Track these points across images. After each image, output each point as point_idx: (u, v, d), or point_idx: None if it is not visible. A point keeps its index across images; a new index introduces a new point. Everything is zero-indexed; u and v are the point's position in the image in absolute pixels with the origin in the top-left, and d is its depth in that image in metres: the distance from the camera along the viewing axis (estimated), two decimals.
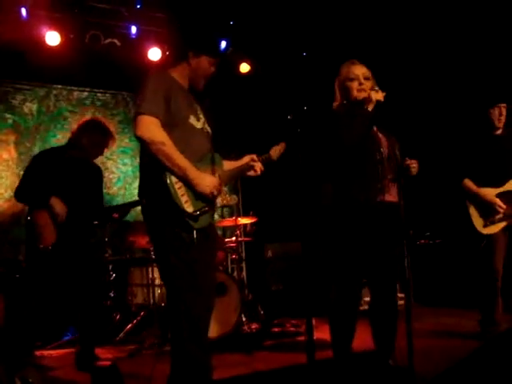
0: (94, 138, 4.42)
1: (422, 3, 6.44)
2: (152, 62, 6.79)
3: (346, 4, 6.60)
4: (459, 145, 4.75)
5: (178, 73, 3.04)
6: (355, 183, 3.27)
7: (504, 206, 4.42)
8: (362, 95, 3.32)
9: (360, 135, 3.20)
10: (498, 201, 4.43)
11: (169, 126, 2.84)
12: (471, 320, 4.88)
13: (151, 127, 2.78)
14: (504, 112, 4.55)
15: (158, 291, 5.39)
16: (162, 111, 2.83)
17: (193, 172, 2.83)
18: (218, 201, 3.03)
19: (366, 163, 3.26)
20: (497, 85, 5.36)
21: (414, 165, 3.29)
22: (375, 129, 3.39)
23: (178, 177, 2.80)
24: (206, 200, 2.87)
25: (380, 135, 3.39)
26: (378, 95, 3.21)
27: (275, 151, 3.31)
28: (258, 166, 3.23)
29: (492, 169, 4.52)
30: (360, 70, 3.38)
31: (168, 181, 2.76)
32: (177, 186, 2.79)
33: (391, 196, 3.28)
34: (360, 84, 3.34)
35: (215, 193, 2.91)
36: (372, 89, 3.26)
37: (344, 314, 3.34)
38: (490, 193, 4.48)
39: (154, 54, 6.80)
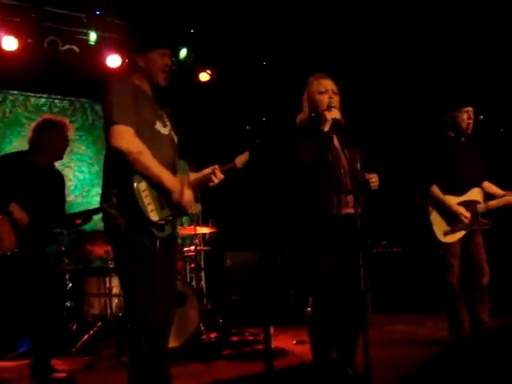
0: (51, 134, 4.36)
1: (378, 12, 6.56)
2: (111, 69, 6.73)
3: (307, 15, 6.68)
4: (425, 151, 4.69)
5: (138, 79, 3.02)
6: (313, 197, 3.31)
7: (468, 216, 4.43)
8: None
9: (317, 156, 3.26)
10: (462, 210, 4.44)
11: (137, 132, 2.82)
12: (428, 327, 4.97)
13: (126, 137, 2.76)
14: (472, 116, 4.50)
15: (115, 301, 5.32)
16: (134, 119, 2.82)
17: (170, 181, 2.84)
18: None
19: (325, 178, 3.31)
20: (463, 90, 5.40)
21: (373, 180, 3.31)
22: (337, 142, 3.46)
23: (155, 185, 2.80)
24: (172, 207, 2.87)
25: (342, 148, 3.45)
26: (333, 114, 3.27)
27: (240, 160, 3.32)
28: (217, 177, 3.22)
29: (456, 176, 4.51)
30: (329, 85, 3.44)
31: (135, 187, 2.74)
32: (144, 194, 2.77)
33: (349, 208, 3.32)
34: (330, 98, 3.39)
35: (189, 207, 2.92)
36: (327, 108, 3.32)
37: (323, 324, 3.32)
38: (453, 201, 4.48)
39: (113, 61, 6.74)
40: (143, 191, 2.77)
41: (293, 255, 3.56)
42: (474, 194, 4.52)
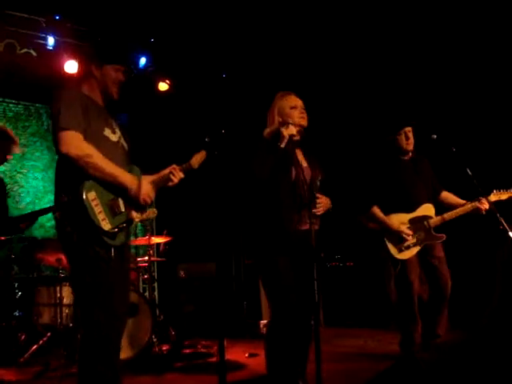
0: None
1: (330, 30, 6.69)
2: (68, 74, 6.64)
3: (267, 29, 6.75)
4: (368, 172, 4.79)
5: (89, 87, 3.02)
6: (273, 212, 3.37)
7: (410, 233, 4.50)
8: (303, 122, 3.53)
9: (269, 171, 3.34)
10: (403, 229, 4.50)
11: (85, 138, 2.80)
12: (379, 341, 5.03)
13: (75, 142, 2.75)
14: (410, 135, 4.61)
15: (65, 311, 5.22)
16: (82, 125, 2.80)
17: (125, 177, 2.85)
18: (137, 215, 2.99)
19: (287, 193, 3.37)
20: (399, 110, 5.53)
21: (320, 202, 3.36)
22: (301, 158, 3.53)
23: (106, 190, 2.78)
24: (131, 205, 2.86)
25: (304, 165, 3.52)
26: (289, 130, 3.38)
27: (196, 159, 3.32)
28: (177, 175, 3.21)
29: (403, 194, 4.58)
30: (299, 101, 3.59)
31: (84, 197, 2.71)
32: (94, 203, 2.74)
33: (307, 224, 3.35)
34: (301, 112, 3.54)
35: (148, 199, 2.91)
36: (283, 125, 3.43)
37: (281, 335, 3.32)
38: (399, 219, 4.54)
39: (71, 66, 6.64)
40: (93, 200, 2.74)
41: (253, 263, 3.55)
42: (424, 210, 4.60)
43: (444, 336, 4.51)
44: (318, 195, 3.35)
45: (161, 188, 3.16)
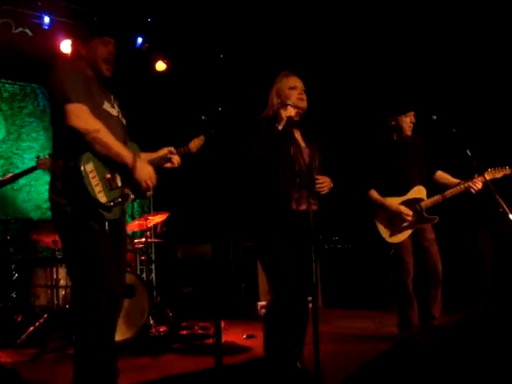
0: None
1: (328, 16, 6.61)
2: (64, 54, 6.55)
3: (265, 11, 6.67)
4: (365, 155, 4.81)
5: (84, 65, 2.96)
6: (272, 192, 3.35)
7: (410, 213, 4.51)
8: (302, 104, 3.47)
9: (267, 151, 3.30)
10: (403, 209, 4.52)
11: None
12: (378, 322, 5.03)
13: (83, 115, 2.70)
14: (413, 119, 4.64)
15: (62, 293, 5.20)
16: (88, 98, 2.76)
17: (131, 158, 2.80)
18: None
19: (286, 172, 3.35)
20: (408, 93, 5.50)
21: (321, 181, 3.31)
22: (300, 138, 3.49)
23: (104, 166, 2.74)
24: (132, 185, 2.85)
25: (303, 146, 3.48)
26: (288, 112, 3.32)
27: (194, 144, 3.30)
28: (176, 159, 3.21)
29: (395, 177, 4.60)
30: (300, 82, 3.54)
31: (82, 168, 2.68)
32: (91, 175, 2.71)
33: (307, 204, 3.32)
34: (300, 93, 3.48)
35: (150, 183, 2.88)
36: (281, 106, 3.38)
37: (280, 315, 3.30)
38: (394, 202, 4.57)
39: (67, 46, 6.56)
40: (90, 172, 2.71)
41: (251, 245, 3.53)
42: (416, 192, 4.61)
43: (439, 317, 4.53)
44: (317, 176, 3.31)
45: (158, 167, 3.14)
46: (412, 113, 4.65)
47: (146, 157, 3.14)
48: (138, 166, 2.84)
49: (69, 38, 6.54)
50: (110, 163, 2.79)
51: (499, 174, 4.55)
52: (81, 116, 2.70)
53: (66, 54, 6.49)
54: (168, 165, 3.23)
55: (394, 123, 4.69)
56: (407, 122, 4.65)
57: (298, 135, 3.52)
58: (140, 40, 7.13)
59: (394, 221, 4.56)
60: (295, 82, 3.53)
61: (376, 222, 4.62)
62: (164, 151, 3.20)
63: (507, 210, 4.15)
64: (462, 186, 4.52)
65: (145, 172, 2.87)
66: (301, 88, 3.52)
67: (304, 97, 3.50)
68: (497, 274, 5.13)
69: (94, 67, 2.95)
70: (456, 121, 4.51)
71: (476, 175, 4.47)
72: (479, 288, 5.18)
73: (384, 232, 4.59)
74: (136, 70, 7.08)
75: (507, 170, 4.57)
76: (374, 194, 4.61)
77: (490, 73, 6.31)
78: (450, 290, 4.65)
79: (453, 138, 4.36)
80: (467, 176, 4.54)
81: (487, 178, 4.42)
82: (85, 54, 2.94)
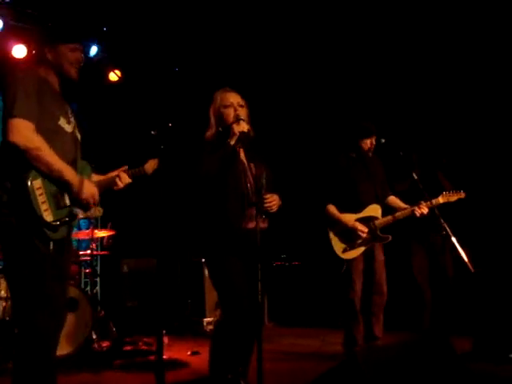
0: None
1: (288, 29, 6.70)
2: (16, 59, 6.40)
3: (222, 27, 6.71)
4: (324, 170, 4.87)
5: (45, 72, 2.90)
6: (221, 210, 3.33)
7: (366, 230, 4.57)
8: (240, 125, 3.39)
9: (221, 169, 3.29)
10: (359, 225, 4.57)
11: (38, 127, 2.69)
12: (325, 341, 5.06)
13: (25, 132, 2.64)
14: (374, 143, 4.74)
15: (2, 305, 5.03)
16: (36, 113, 2.70)
17: (72, 177, 2.75)
18: (81, 211, 2.90)
19: (233, 191, 3.33)
20: (369, 115, 5.60)
21: (269, 199, 3.30)
22: (243, 156, 3.48)
23: (52, 183, 2.67)
24: (74, 203, 2.78)
25: (249, 164, 3.47)
26: (241, 127, 3.31)
27: (150, 165, 3.25)
28: (123, 180, 3.14)
29: (351, 195, 4.67)
30: (235, 98, 3.46)
31: (29, 184, 2.61)
32: (38, 192, 2.64)
33: (254, 222, 3.32)
34: (235, 111, 3.41)
35: (92, 201, 2.82)
36: (235, 121, 3.35)
37: (229, 334, 3.27)
38: (351, 218, 4.62)
39: (19, 51, 6.41)
40: (38, 188, 2.65)
41: (200, 262, 3.51)
42: (372, 210, 4.69)
43: (382, 337, 4.60)
44: (266, 194, 3.31)
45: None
46: (374, 136, 4.75)
47: (95, 178, 3.10)
48: (81, 185, 2.78)
49: (22, 42, 6.40)
50: (55, 181, 2.73)
51: (453, 198, 4.70)
52: (22, 132, 2.63)
53: (18, 59, 6.35)
54: (114, 187, 3.16)
55: (355, 143, 4.78)
56: (367, 144, 4.74)
57: (242, 153, 3.49)
58: (95, 49, 7.04)
59: (349, 237, 4.61)
60: (229, 98, 3.46)
61: (330, 236, 4.64)
62: (115, 172, 3.14)
63: (450, 233, 4.27)
64: (409, 210, 4.63)
65: (87, 191, 2.81)
66: (236, 103, 3.44)
67: (242, 111, 3.42)
68: (435, 296, 5.25)
69: (59, 71, 2.91)
70: (403, 144, 4.64)
71: (422, 201, 4.59)
72: (415, 307, 5.30)
73: (337, 247, 4.62)
74: (89, 80, 6.98)
75: (461, 194, 4.72)
76: (332, 208, 4.66)
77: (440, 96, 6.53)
78: (388, 308, 4.72)
79: (400, 161, 4.48)
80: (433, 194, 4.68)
81: (441, 201, 4.56)
82: (51, 59, 2.89)
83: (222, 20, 6.67)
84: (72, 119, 2.97)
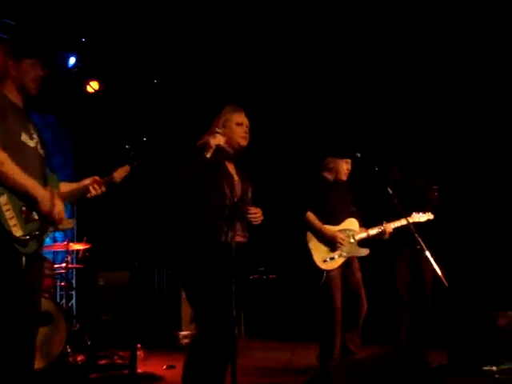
0: None
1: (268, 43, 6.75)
2: None
3: (203, 39, 6.74)
4: (303, 184, 4.96)
5: (7, 87, 2.88)
6: (202, 223, 3.31)
7: (346, 239, 4.64)
8: (243, 142, 3.49)
9: (193, 177, 3.30)
10: (339, 234, 4.63)
11: (1, 143, 2.65)
12: (301, 354, 5.06)
13: None
14: (350, 167, 4.84)
15: None
16: (2, 129, 2.67)
17: (37, 191, 2.71)
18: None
19: (214, 205, 3.31)
20: (348, 138, 5.66)
21: (253, 212, 3.35)
22: (232, 170, 3.50)
23: (19, 197, 2.65)
24: (42, 219, 2.75)
25: (235, 178, 3.48)
26: (217, 140, 3.34)
27: (118, 174, 3.23)
28: (96, 188, 3.12)
29: (329, 209, 4.74)
30: (246, 120, 3.55)
31: None
32: (5, 208, 2.61)
33: (238, 237, 3.33)
34: (245, 132, 3.50)
35: (57, 215, 2.79)
36: (210, 134, 3.39)
37: (207, 352, 3.21)
38: (331, 228, 4.68)
39: None
40: (5, 204, 2.61)
41: (176, 274, 3.47)
42: (349, 224, 4.77)
43: (358, 351, 4.62)
44: (250, 207, 3.34)
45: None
46: (350, 160, 4.83)
47: (67, 187, 3.07)
48: (46, 199, 2.75)
49: None
50: (21, 196, 2.70)
51: (423, 219, 4.92)
52: None
53: None
54: (88, 195, 3.14)
55: (332, 165, 4.86)
56: (344, 167, 4.82)
57: (231, 168, 3.52)
58: (73, 60, 7.01)
59: (329, 247, 4.64)
60: (243, 118, 3.55)
61: (310, 247, 4.65)
62: (87, 181, 3.13)
63: (424, 248, 4.33)
64: (378, 230, 4.79)
65: (51, 205, 2.77)
66: (246, 126, 3.53)
67: (248, 136, 3.51)
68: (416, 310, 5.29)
69: (21, 87, 2.88)
70: (379, 159, 4.69)
71: (384, 222, 4.80)
72: (392, 321, 5.33)
73: (317, 257, 4.62)
74: (67, 91, 6.96)
75: (430, 216, 4.95)
76: (312, 216, 4.69)
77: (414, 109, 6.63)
78: (366, 321, 4.74)
79: (375, 176, 4.54)
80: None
81: (410, 221, 4.69)
82: (14, 74, 2.87)
83: (202, 33, 6.70)
84: (35, 135, 2.94)
